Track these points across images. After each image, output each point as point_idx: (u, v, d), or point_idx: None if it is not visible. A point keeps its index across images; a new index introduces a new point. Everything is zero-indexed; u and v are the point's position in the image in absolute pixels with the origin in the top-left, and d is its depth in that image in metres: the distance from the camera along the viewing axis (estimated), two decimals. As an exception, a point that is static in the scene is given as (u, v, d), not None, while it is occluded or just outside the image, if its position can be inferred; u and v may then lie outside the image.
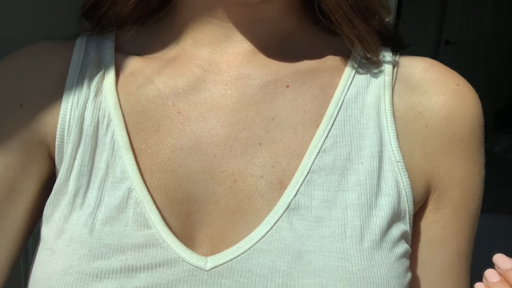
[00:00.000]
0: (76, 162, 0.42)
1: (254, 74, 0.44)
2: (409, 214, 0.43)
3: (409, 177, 0.43)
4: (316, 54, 0.46)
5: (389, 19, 0.48)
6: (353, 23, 0.42)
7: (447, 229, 0.46)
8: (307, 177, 0.41)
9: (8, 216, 0.42)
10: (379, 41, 0.45)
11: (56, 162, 0.43)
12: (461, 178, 0.45)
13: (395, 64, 0.45)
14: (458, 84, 0.45)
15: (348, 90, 0.44)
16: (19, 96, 0.43)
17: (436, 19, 3.44)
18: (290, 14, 0.46)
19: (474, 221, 0.47)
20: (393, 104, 0.44)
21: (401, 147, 0.43)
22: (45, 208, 0.42)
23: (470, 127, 0.44)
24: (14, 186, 0.42)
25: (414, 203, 0.44)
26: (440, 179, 0.45)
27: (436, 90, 0.44)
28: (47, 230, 0.41)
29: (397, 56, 0.46)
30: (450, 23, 3.45)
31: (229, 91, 0.43)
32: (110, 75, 0.44)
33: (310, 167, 0.41)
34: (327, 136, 0.42)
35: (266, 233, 0.40)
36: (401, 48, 0.48)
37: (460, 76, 0.46)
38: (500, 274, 0.37)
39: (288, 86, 0.44)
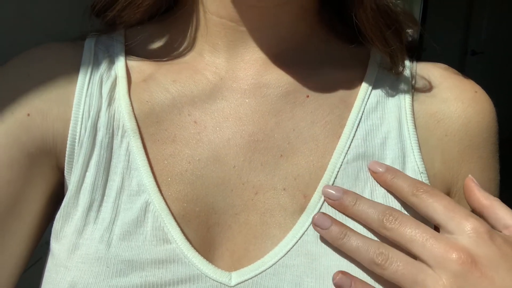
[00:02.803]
0: (88, 174, 0.40)
1: (273, 83, 0.43)
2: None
3: None
4: (333, 61, 0.45)
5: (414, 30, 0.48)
6: (388, 42, 0.42)
7: None
8: None
9: (12, 232, 0.40)
10: (406, 55, 0.45)
11: (65, 172, 0.41)
12: None
13: (413, 71, 0.45)
14: (476, 92, 0.44)
15: (368, 99, 0.43)
16: (26, 105, 0.41)
17: (461, 29, 3.39)
18: (307, 20, 0.45)
19: None
20: (413, 113, 0.43)
21: (422, 157, 0.42)
22: (55, 222, 0.40)
23: (486, 134, 0.44)
24: (17, 201, 0.39)
25: None
26: (459, 187, 0.44)
27: (455, 98, 0.43)
28: (59, 246, 0.40)
29: (414, 63, 0.46)
30: (476, 33, 3.40)
31: (247, 100, 0.42)
32: (122, 82, 0.43)
33: (334, 181, 0.40)
34: (349, 147, 0.41)
35: (291, 247, 0.39)
36: (417, 53, 0.47)
37: (475, 83, 0.46)
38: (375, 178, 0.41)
39: (308, 96, 0.43)
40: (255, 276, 0.38)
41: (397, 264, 0.36)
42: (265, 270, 0.38)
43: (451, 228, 0.36)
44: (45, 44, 0.44)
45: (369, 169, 0.41)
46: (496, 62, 3.39)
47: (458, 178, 0.44)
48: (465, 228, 0.36)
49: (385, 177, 0.40)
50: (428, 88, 0.44)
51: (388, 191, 0.40)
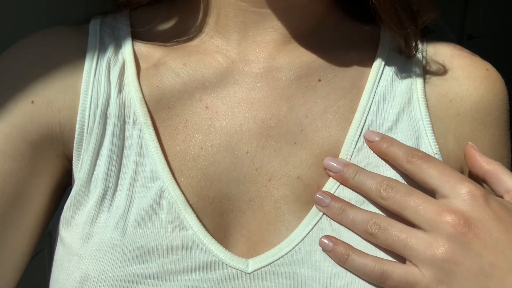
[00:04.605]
0: (99, 162, 0.39)
1: (285, 66, 0.42)
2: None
3: None
4: (345, 43, 0.45)
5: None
6: (403, 25, 0.42)
7: None
8: None
9: (16, 224, 0.39)
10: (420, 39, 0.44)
11: (73, 161, 0.40)
12: None
13: (423, 52, 0.45)
14: (487, 69, 0.44)
15: (379, 82, 0.43)
16: (30, 92, 0.39)
17: (458, 12, 3.36)
18: (323, 0, 0.44)
19: None
20: (425, 94, 0.42)
21: (436, 137, 0.41)
22: (64, 210, 0.39)
23: (498, 112, 0.44)
24: (21, 191, 0.38)
25: None
26: None
27: (467, 76, 0.43)
28: (70, 235, 0.39)
29: (424, 43, 0.45)
30: (472, 17, 3.37)
31: (258, 84, 0.41)
32: (131, 67, 0.41)
33: None
34: (360, 134, 0.41)
35: (307, 234, 0.38)
36: (426, 34, 0.47)
37: (486, 61, 0.45)
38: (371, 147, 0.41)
39: (320, 80, 0.42)
40: (272, 262, 0.38)
41: (388, 232, 0.36)
42: (282, 257, 0.38)
43: (446, 192, 0.36)
44: (47, 28, 0.43)
45: (364, 138, 0.41)
46: (493, 46, 3.37)
47: None
48: (460, 192, 0.36)
49: (380, 146, 0.40)
50: (440, 69, 0.44)
51: (385, 160, 0.40)
